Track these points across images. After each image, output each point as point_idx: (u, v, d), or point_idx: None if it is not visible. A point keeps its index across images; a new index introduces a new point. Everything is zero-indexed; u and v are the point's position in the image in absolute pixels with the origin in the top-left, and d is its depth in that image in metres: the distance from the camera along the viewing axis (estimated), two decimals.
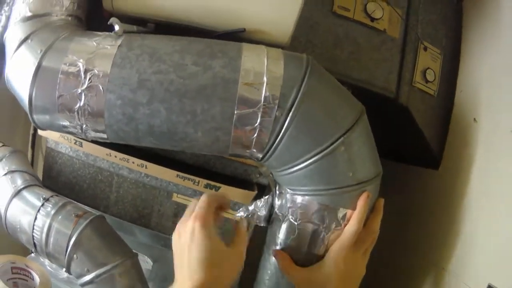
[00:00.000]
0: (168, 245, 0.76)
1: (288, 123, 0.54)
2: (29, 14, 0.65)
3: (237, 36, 0.62)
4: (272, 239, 0.64)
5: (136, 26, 0.64)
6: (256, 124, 0.53)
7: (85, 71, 0.56)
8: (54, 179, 0.79)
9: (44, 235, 0.67)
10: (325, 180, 0.57)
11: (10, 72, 0.64)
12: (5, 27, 0.80)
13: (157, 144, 0.58)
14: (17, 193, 0.70)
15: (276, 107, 0.53)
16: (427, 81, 0.79)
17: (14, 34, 0.64)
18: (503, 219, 0.66)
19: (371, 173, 0.59)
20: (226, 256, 0.52)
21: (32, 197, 0.70)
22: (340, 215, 0.58)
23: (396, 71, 0.77)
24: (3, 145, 0.80)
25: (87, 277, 0.65)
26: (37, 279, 0.76)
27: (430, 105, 0.80)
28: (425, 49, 0.80)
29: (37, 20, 0.66)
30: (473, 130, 0.76)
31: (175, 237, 0.53)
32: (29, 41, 0.62)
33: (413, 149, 0.87)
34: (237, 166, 0.73)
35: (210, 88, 0.53)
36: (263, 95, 0.53)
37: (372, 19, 0.76)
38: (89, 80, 0.56)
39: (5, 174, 0.74)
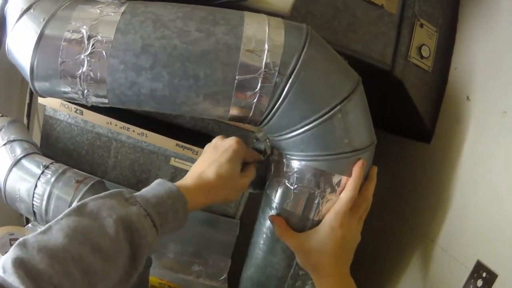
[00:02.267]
0: None
1: (288, 89, 0.57)
2: None
3: (238, 4, 0.65)
4: (268, 203, 0.68)
5: None
6: (256, 90, 0.57)
7: (89, 38, 0.59)
8: (52, 147, 0.82)
9: (44, 203, 0.69)
10: (321, 146, 0.61)
11: (11, 42, 0.66)
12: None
13: (158, 108, 0.61)
14: (17, 162, 0.73)
15: (277, 73, 0.56)
16: (422, 57, 0.83)
17: (15, 5, 0.66)
18: (492, 196, 0.70)
19: (366, 141, 0.63)
20: (235, 181, 0.62)
21: (32, 165, 0.72)
22: (335, 180, 0.62)
23: (392, 45, 0.80)
24: (1, 115, 0.82)
25: None
26: None
27: (424, 80, 0.84)
28: (422, 26, 0.83)
29: None
30: (466, 108, 0.80)
31: (209, 145, 0.65)
32: (32, 10, 0.64)
33: (407, 122, 0.91)
34: (234, 131, 0.76)
35: (213, 53, 0.56)
36: (264, 61, 0.56)
37: None
38: (92, 46, 0.59)
39: (4, 144, 0.76)
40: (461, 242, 0.75)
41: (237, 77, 0.56)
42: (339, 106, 0.59)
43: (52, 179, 0.69)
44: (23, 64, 0.63)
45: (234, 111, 0.59)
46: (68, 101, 0.76)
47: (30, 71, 0.62)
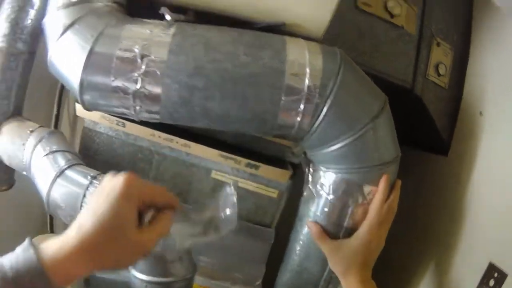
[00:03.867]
0: None
1: (327, 109, 0.66)
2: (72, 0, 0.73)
3: (277, 28, 0.73)
4: (305, 212, 0.76)
5: (182, 15, 0.74)
6: (299, 110, 0.65)
7: (142, 57, 0.66)
8: (91, 158, 0.88)
9: None
10: (355, 159, 0.69)
11: (55, 56, 0.72)
12: (40, 11, 0.89)
13: (209, 125, 0.69)
14: (61, 173, 0.77)
15: (317, 95, 0.65)
16: (439, 74, 0.92)
17: (57, 20, 0.72)
18: (505, 204, 0.79)
19: (393, 154, 0.73)
20: (129, 237, 0.48)
21: (78, 176, 0.77)
22: (366, 190, 0.71)
23: (412, 64, 0.90)
24: (40, 126, 0.88)
25: None
26: None
27: (441, 97, 0.93)
28: (438, 44, 0.93)
29: (81, 6, 0.74)
30: (479, 122, 0.89)
31: (99, 186, 0.51)
32: (76, 26, 0.71)
33: (425, 136, 1.01)
34: (272, 146, 0.84)
35: (261, 76, 0.64)
36: (306, 84, 0.65)
37: (392, 16, 0.88)
38: (146, 65, 0.66)
39: (46, 155, 0.81)
40: (475, 247, 0.84)
41: (283, 98, 0.65)
42: (370, 124, 0.68)
43: None
44: (70, 78, 0.70)
45: (279, 129, 0.68)
46: (110, 114, 0.82)
47: (79, 85, 0.69)
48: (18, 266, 0.43)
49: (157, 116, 0.70)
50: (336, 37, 0.84)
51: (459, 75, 0.96)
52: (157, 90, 0.66)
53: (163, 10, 0.72)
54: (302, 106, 0.65)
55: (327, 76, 0.66)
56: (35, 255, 0.43)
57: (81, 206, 0.76)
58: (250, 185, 0.84)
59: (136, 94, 0.67)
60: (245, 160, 0.78)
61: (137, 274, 0.73)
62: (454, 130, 0.96)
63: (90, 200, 0.49)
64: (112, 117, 0.83)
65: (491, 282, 0.77)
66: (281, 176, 0.80)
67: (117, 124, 0.83)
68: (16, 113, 0.90)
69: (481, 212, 0.85)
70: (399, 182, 0.76)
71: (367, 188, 0.71)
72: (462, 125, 0.94)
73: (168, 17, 0.71)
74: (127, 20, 0.73)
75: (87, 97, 0.71)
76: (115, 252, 0.47)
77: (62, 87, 1.10)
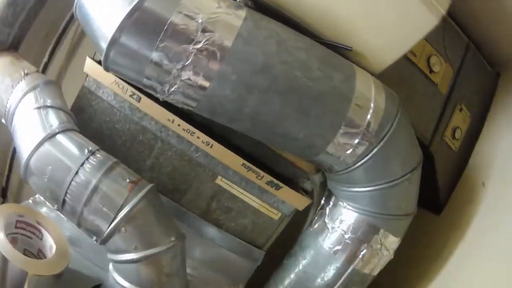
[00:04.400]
0: (192, 225, 0.79)
1: (377, 150, 0.64)
2: None
3: (341, 50, 0.69)
4: (311, 243, 0.74)
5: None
6: (353, 143, 0.63)
7: (204, 30, 0.57)
8: (83, 123, 0.76)
9: (86, 196, 0.62)
10: (383, 205, 0.69)
11: None
12: None
13: (249, 130, 0.63)
14: (52, 136, 0.65)
15: (374, 133, 0.63)
16: (454, 138, 0.96)
17: None
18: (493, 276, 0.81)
19: (412, 209, 0.73)
20: None
21: (72, 146, 0.65)
22: (384, 237, 0.71)
23: (434, 122, 0.92)
24: (36, 71, 0.76)
25: (133, 255, 0.62)
26: (48, 240, 0.71)
27: (450, 159, 0.97)
28: (461, 110, 0.97)
29: None
30: (480, 192, 0.93)
31: None
32: None
33: (424, 191, 1.04)
34: (288, 166, 0.79)
35: (329, 97, 0.61)
36: (367, 120, 0.63)
37: (431, 71, 0.90)
38: (205, 41, 0.57)
39: (39, 108, 0.69)
40: None
41: (342, 127, 0.61)
42: (408, 175, 0.68)
43: (100, 173, 0.63)
44: (101, 28, 0.60)
45: (323, 157, 0.64)
46: (126, 82, 0.71)
47: (111, 40, 0.58)
48: None
49: (193, 104, 0.62)
50: (379, 76, 0.83)
51: (469, 143, 1.01)
52: (209, 74, 0.58)
53: None
54: (356, 141, 0.63)
55: (387, 117, 0.65)
56: None
57: (70, 184, 0.63)
58: (254, 202, 0.79)
59: (180, 71, 0.58)
60: (268, 177, 0.73)
61: (121, 281, 0.64)
62: (453, 192, 0.99)
63: None
64: (128, 86, 0.72)
65: None
66: (298, 202, 0.77)
67: (131, 96, 0.73)
68: (13, 48, 0.77)
69: (461, 277, 0.87)
70: None
71: (385, 235, 0.71)
72: (461, 190, 0.98)
73: None
74: None
75: (114, 55, 0.60)
76: None
77: (61, 35, 0.96)
